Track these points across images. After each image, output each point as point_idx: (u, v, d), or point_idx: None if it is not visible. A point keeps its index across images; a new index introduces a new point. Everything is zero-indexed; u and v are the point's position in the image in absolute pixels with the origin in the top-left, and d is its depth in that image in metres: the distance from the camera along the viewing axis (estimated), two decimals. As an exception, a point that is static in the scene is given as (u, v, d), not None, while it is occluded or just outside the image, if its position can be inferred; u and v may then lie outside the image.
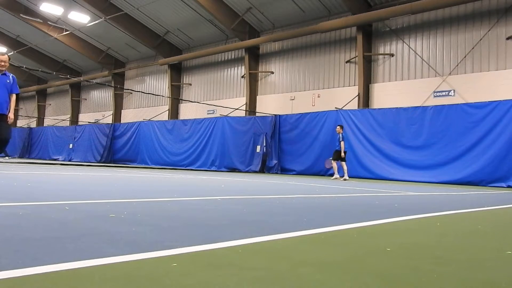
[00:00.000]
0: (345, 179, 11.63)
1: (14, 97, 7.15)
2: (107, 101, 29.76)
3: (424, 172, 12.56)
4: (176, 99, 24.01)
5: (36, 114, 34.89)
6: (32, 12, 24.87)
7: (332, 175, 12.64)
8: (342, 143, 12.09)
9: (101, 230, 1.92)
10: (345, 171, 11.91)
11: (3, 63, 6.99)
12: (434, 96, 15.02)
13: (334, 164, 12.28)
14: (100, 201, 3.29)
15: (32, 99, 36.29)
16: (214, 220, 2.48)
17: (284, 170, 16.20)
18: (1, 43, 29.82)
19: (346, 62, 17.57)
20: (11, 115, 7.05)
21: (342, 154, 12.04)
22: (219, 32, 21.78)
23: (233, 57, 22.03)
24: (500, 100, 11.73)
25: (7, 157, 21.55)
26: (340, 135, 12.22)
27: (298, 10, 18.42)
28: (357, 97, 16.61)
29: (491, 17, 14.16)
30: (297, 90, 19.14)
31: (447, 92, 14.81)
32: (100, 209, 2.72)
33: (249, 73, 20.34)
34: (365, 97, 16.56)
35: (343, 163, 12.03)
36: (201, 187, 5.79)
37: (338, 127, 12.49)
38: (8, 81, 7.03)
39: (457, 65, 14.71)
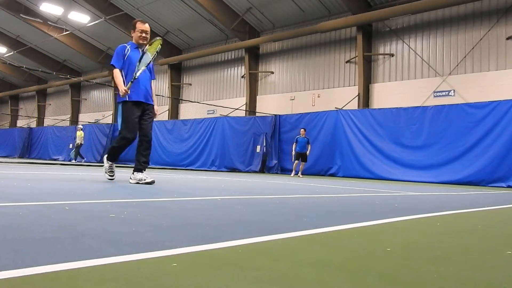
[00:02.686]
0: (299, 176, 13.41)
1: (153, 84, 5.56)
2: (107, 101, 29.77)
3: (424, 172, 12.56)
4: (176, 99, 24.02)
5: (36, 114, 34.89)
6: (32, 12, 24.88)
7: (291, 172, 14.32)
8: (309, 146, 13.84)
9: (101, 230, 1.92)
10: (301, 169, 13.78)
11: (144, 34, 5.28)
12: (434, 96, 15.02)
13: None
14: (100, 201, 3.29)
15: (32, 99, 36.30)
16: (214, 220, 2.48)
17: (284, 170, 16.19)
18: (1, 43, 29.83)
19: (346, 62, 17.57)
20: (157, 108, 5.56)
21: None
22: (219, 32, 21.78)
23: (233, 57, 22.03)
24: (500, 100, 11.73)
25: (83, 160, 21.12)
26: (307, 138, 13.84)
27: (298, 10, 18.42)
28: (357, 97, 16.62)
29: (491, 17, 14.17)
30: (297, 90, 19.15)
31: (447, 92, 14.81)
32: (100, 209, 2.72)
33: (249, 73, 20.34)
34: (365, 97, 16.56)
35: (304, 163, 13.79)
36: (201, 187, 5.79)
37: (302, 130, 13.98)
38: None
39: (457, 65, 14.71)
